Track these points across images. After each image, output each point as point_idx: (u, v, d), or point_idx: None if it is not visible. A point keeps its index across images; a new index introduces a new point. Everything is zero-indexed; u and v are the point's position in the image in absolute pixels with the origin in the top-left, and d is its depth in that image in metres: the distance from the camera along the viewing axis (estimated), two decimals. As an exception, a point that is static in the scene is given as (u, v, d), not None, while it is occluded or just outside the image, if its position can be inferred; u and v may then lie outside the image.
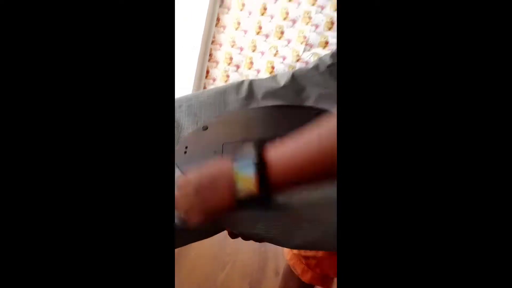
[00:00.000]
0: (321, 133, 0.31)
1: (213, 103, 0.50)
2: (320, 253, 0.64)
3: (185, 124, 0.49)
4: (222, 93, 0.50)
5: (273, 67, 1.72)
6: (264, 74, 1.74)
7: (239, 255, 1.30)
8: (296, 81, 0.48)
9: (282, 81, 0.48)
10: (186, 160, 0.44)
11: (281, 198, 0.34)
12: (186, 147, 0.46)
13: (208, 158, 0.44)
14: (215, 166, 0.35)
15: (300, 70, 0.49)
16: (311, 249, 0.46)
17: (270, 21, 1.67)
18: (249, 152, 0.33)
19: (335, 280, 0.70)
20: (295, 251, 0.67)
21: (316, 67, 0.48)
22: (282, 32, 1.66)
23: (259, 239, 0.37)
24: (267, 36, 1.69)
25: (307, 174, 0.31)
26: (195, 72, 1.79)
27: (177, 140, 0.48)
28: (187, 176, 0.35)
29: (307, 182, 0.32)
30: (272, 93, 0.49)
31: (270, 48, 1.70)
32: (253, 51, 1.73)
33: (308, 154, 0.31)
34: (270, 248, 1.30)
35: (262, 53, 1.72)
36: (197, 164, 0.42)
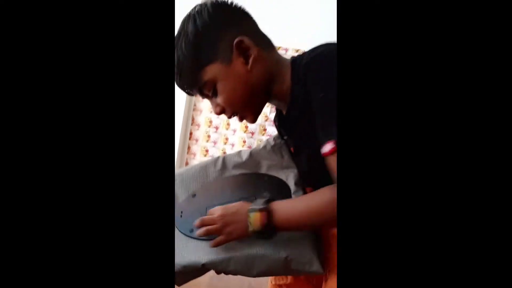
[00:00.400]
0: (316, 200, 0.47)
1: (199, 175, 0.66)
2: (289, 281, 0.73)
3: (179, 194, 0.65)
4: (204, 167, 0.67)
5: (246, 127, 2.02)
6: (240, 133, 2.03)
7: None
8: (253, 157, 0.66)
9: (244, 157, 0.67)
10: (182, 222, 0.59)
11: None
12: (182, 212, 0.61)
13: (197, 217, 0.58)
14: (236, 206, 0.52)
15: (254, 149, 0.68)
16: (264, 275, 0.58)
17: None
18: (259, 203, 0.49)
19: None
20: (273, 282, 0.77)
21: (264, 147, 0.68)
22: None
23: (229, 272, 0.54)
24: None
25: (291, 228, 0.50)
26: (180, 134, 2.05)
27: (175, 206, 0.63)
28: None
29: (298, 229, 0.51)
30: (238, 165, 0.66)
31: (243, 111, 2.03)
32: (229, 114, 2.04)
33: (303, 211, 0.48)
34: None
35: (237, 116, 2.03)
36: (190, 224, 0.58)
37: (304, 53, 0.53)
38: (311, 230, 0.52)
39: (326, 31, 1.96)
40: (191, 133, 2.08)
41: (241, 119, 0.56)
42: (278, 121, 0.67)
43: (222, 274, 0.57)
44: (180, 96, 1.98)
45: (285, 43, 2.01)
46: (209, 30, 0.51)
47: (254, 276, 0.54)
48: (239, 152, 0.70)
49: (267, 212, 0.48)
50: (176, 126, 1.99)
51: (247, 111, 0.54)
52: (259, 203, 0.50)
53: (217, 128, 2.05)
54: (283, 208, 0.49)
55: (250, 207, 0.49)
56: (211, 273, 0.57)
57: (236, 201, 0.58)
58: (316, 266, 0.51)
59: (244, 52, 0.51)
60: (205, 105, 2.06)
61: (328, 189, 0.46)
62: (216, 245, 0.52)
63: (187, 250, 0.55)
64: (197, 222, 0.53)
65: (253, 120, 0.56)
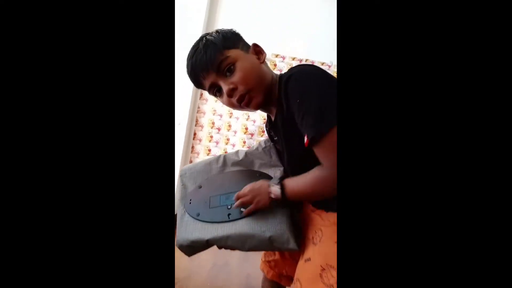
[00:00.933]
0: (310, 177, 0.59)
1: (204, 170, 0.80)
2: (276, 256, 0.87)
3: (189, 185, 0.78)
4: (209, 164, 0.81)
5: (246, 128, 2.16)
6: (240, 134, 2.18)
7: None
8: (248, 156, 0.81)
9: (241, 157, 0.81)
10: (191, 207, 0.72)
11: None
12: (191, 200, 0.74)
13: (202, 204, 0.70)
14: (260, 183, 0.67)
15: (248, 150, 0.82)
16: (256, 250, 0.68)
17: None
18: (276, 179, 0.65)
19: (291, 278, 0.86)
20: (263, 258, 0.90)
21: (257, 148, 0.82)
22: (251, 102, 2.15)
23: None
24: (240, 105, 2.17)
25: (296, 198, 0.64)
26: (185, 134, 2.20)
27: (185, 195, 0.76)
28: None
29: (302, 199, 0.66)
30: (236, 163, 0.80)
31: (243, 114, 2.17)
32: (230, 117, 2.19)
33: (301, 185, 0.61)
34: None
35: (237, 118, 2.18)
36: (197, 209, 0.71)
37: (286, 72, 0.66)
38: (313, 199, 0.66)
39: (321, 41, 2.11)
40: (195, 134, 2.22)
41: (248, 100, 0.63)
42: (269, 125, 0.80)
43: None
44: (185, 100, 2.13)
45: (283, 51, 2.15)
46: (232, 34, 0.66)
47: (246, 251, 0.66)
48: (237, 152, 0.84)
49: (281, 185, 0.63)
50: (181, 126, 2.14)
51: (257, 91, 0.62)
52: (275, 180, 0.65)
53: (219, 129, 2.20)
54: (291, 183, 0.63)
55: (270, 183, 0.65)
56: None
57: (234, 192, 0.70)
58: (292, 244, 0.64)
59: (257, 52, 0.67)
60: (208, 107, 2.22)
61: (316, 169, 0.60)
62: (248, 213, 0.66)
63: (195, 229, 0.68)
64: (234, 196, 0.67)
65: (260, 101, 0.64)
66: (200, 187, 0.77)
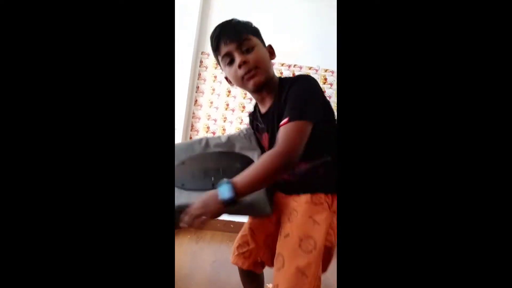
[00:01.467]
0: (256, 168, 0.65)
1: (188, 149, 0.87)
2: (251, 246, 0.91)
3: None
4: (191, 144, 0.89)
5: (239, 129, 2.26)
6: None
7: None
8: (230, 140, 0.90)
9: (223, 140, 0.90)
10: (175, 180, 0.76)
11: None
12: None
13: (185, 177, 0.76)
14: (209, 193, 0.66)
15: (231, 135, 0.91)
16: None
17: (234, 100, 2.27)
18: (224, 181, 0.64)
19: (265, 264, 0.94)
20: (235, 252, 0.93)
21: (239, 134, 0.92)
22: (243, 107, 2.25)
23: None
24: (233, 110, 2.27)
25: (251, 188, 0.65)
26: (181, 139, 2.27)
27: None
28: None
29: (258, 185, 0.67)
30: (218, 145, 0.88)
31: (237, 118, 2.27)
32: (224, 121, 2.28)
33: (251, 178, 0.64)
34: None
35: (231, 122, 2.27)
36: (181, 180, 0.75)
37: (289, 78, 0.81)
38: (269, 178, 0.67)
39: (308, 46, 2.23)
40: (190, 138, 2.30)
41: (253, 75, 0.76)
42: (254, 115, 0.91)
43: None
44: (180, 106, 2.22)
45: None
46: (258, 30, 0.83)
47: (229, 214, 0.72)
48: (220, 136, 0.94)
49: (231, 184, 0.64)
50: (177, 132, 2.21)
51: (263, 71, 0.77)
52: (224, 182, 0.64)
53: (214, 133, 2.29)
54: (240, 177, 0.65)
55: (218, 183, 0.65)
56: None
57: (215, 168, 0.79)
58: (268, 209, 0.76)
59: (270, 52, 0.83)
60: (202, 113, 2.31)
61: (264, 154, 0.68)
62: (199, 224, 0.63)
63: (180, 197, 0.76)
64: (186, 210, 0.65)
65: (262, 81, 0.77)
66: (183, 163, 0.84)
